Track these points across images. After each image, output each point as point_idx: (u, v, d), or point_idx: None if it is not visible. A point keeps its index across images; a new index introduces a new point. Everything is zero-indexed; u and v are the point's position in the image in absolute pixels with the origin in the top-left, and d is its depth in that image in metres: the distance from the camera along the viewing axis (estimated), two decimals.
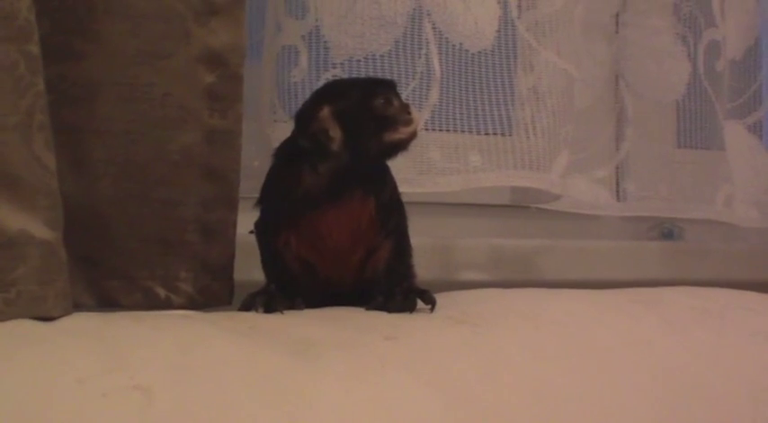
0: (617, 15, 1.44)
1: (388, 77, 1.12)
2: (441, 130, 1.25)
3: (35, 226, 0.86)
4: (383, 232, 1.01)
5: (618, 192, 1.46)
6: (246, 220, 1.05)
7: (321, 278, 1.01)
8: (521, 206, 1.44)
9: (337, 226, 0.99)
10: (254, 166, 1.15)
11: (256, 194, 1.05)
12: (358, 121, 0.98)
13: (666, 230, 1.61)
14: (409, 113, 0.98)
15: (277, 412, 0.75)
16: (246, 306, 0.97)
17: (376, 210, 0.99)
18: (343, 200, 0.98)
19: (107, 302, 1.01)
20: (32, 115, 0.86)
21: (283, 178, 1.00)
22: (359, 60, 1.20)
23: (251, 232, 1.05)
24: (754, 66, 1.56)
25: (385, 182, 1.02)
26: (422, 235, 1.08)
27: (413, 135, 0.98)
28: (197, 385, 0.76)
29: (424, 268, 1.08)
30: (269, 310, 0.95)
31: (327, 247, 0.99)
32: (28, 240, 0.85)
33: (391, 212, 1.02)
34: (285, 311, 0.95)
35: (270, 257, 1.02)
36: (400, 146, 0.99)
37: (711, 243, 1.58)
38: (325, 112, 0.97)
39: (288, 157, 1.00)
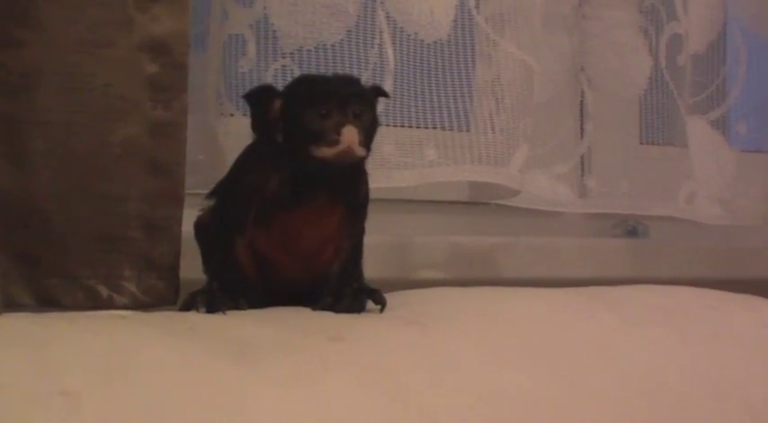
0: (578, 7, 1.43)
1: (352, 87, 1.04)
2: (396, 126, 1.23)
3: None
4: (350, 235, 0.99)
5: (580, 188, 1.45)
6: (193, 216, 1.02)
7: (285, 278, 0.99)
8: (480, 203, 1.42)
9: (306, 228, 0.97)
10: (200, 159, 1.14)
11: (202, 190, 1.02)
12: (290, 128, 0.95)
13: (631, 228, 1.60)
14: (338, 134, 0.93)
15: (210, 419, 0.73)
16: (187, 306, 0.95)
17: (345, 216, 0.98)
18: (308, 204, 0.96)
19: (47, 302, 0.99)
20: None
21: (251, 174, 0.98)
22: (309, 50, 1.17)
23: None
24: (717, 60, 1.55)
25: (357, 188, 0.99)
26: (378, 232, 1.05)
27: (342, 156, 0.93)
28: (127, 390, 0.72)
29: (379, 267, 1.07)
30: (211, 310, 0.93)
31: (298, 249, 0.98)
32: None
33: (360, 217, 1.00)
34: (228, 312, 0.93)
35: (220, 255, 0.99)
36: (328, 163, 0.93)
37: (675, 241, 1.57)
38: (276, 105, 0.95)
39: (258, 153, 0.98)
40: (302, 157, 0.93)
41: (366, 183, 1.00)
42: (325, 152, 0.93)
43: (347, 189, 0.98)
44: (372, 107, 0.98)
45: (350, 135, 0.92)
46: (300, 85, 0.99)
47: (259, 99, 0.97)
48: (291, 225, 0.97)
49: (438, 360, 0.87)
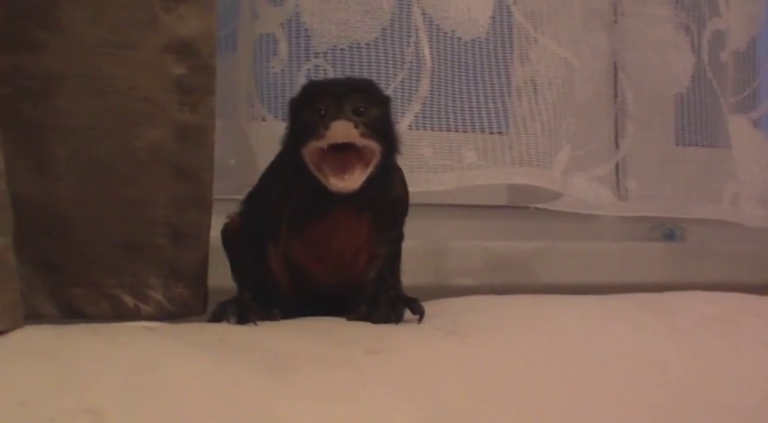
0: (613, 5, 1.40)
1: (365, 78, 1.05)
2: (433, 129, 1.21)
3: None
4: (383, 242, 0.97)
5: (619, 190, 1.42)
6: (222, 223, 1.01)
7: (319, 286, 0.97)
8: (517, 207, 1.40)
9: (335, 236, 0.95)
10: (231, 164, 1.12)
11: (233, 196, 1.02)
12: (291, 129, 0.95)
13: (668, 231, 1.58)
14: (326, 128, 0.90)
15: None
16: (217, 316, 0.93)
17: (374, 221, 0.95)
18: (334, 211, 0.94)
19: (71, 312, 0.97)
20: None
21: (282, 181, 0.96)
22: (342, 49, 1.15)
23: None
24: (756, 58, 1.53)
25: (384, 192, 0.96)
26: (412, 238, 1.03)
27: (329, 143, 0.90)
28: (154, 408, 0.71)
29: (414, 273, 1.05)
30: (242, 321, 0.91)
31: (330, 256, 0.96)
32: None
33: (395, 224, 0.98)
34: (260, 323, 0.91)
35: (253, 264, 0.98)
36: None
37: (716, 244, 1.55)
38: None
39: (286, 160, 0.97)
40: (296, 158, 0.92)
41: (397, 188, 0.98)
42: (311, 146, 0.90)
43: (373, 194, 0.95)
44: (380, 103, 0.95)
45: (339, 128, 0.90)
46: (302, 89, 0.97)
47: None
48: (320, 233, 0.95)
49: (480, 373, 0.86)
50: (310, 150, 0.91)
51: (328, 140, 0.90)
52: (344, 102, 0.91)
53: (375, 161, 0.92)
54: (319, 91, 0.94)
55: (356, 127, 0.90)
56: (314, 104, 0.92)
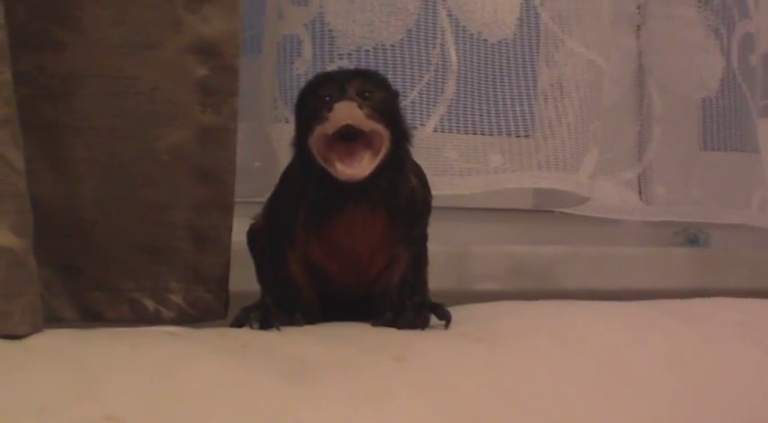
0: (641, 7, 1.39)
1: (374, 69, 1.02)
2: (458, 132, 1.19)
3: None
4: (404, 243, 0.95)
5: (645, 195, 1.41)
6: (246, 226, 1.00)
7: (338, 287, 0.96)
8: (540, 210, 1.39)
9: (349, 235, 0.93)
10: (255, 167, 1.12)
11: (256, 199, 1.01)
12: (297, 122, 0.93)
13: (692, 236, 1.58)
14: (330, 110, 0.88)
15: None
16: (240, 322, 0.92)
17: (390, 220, 0.93)
18: (348, 210, 0.92)
19: (90, 316, 0.97)
20: None
21: (294, 183, 0.95)
22: (367, 50, 1.13)
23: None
24: None
25: (396, 189, 0.93)
26: (435, 241, 1.01)
27: (333, 128, 0.88)
28: (176, 415, 0.70)
29: (437, 278, 1.03)
30: (265, 326, 0.90)
31: (346, 256, 0.94)
32: None
33: (414, 221, 0.95)
34: (283, 328, 0.90)
35: (273, 269, 0.97)
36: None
37: (741, 249, 1.54)
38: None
39: (299, 162, 0.95)
40: (305, 152, 0.90)
41: (412, 181, 0.95)
42: (316, 134, 0.88)
43: (386, 187, 0.92)
44: (386, 88, 0.93)
45: (343, 109, 0.87)
46: (306, 82, 0.96)
47: None
48: (335, 230, 0.93)
49: (509, 381, 0.84)
50: (316, 139, 0.88)
51: (333, 124, 0.87)
52: (348, 85, 0.89)
53: (384, 149, 0.89)
54: (323, 79, 0.93)
55: (360, 108, 0.87)
56: (317, 92, 0.90)
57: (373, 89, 0.90)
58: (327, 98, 0.88)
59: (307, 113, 0.90)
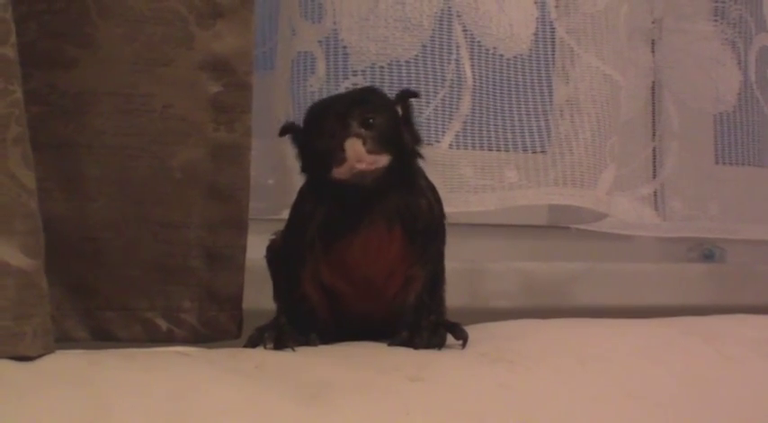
0: (656, 21, 1.38)
1: (369, 90, 1.00)
2: (474, 148, 1.19)
3: (10, 253, 0.79)
4: (420, 262, 0.94)
5: (661, 210, 1.40)
6: (260, 244, 1.00)
7: (353, 311, 0.96)
8: (556, 227, 1.38)
9: (364, 257, 0.92)
10: (269, 184, 1.12)
11: (271, 216, 1.01)
12: (308, 157, 0.94)
13: (707, 251, 1.56)
14: (343, 150, 0.88)
15: None
16: (254, 342, 0.91)
17: (407, 240, 0.92)
18: (364, 230, 0.91)
19: (102, 335, 0.97)
20: (7, 127, 0.80)
21: (305, 205, 0.95)
22: (382, 67, 1.12)
23: None
24: None
25: (416, 208, 0.93)
26: (449, 258, 1.00)
27: (356, 174, 0.89)
28: None
29: (451, 295, 1.02)
30: (279, 346, 0.89)
31: (360, 278, 0.93)
32: (2, 270, 0.79)
33: (430, 241, 0.95)
34: (297, 348, 0.89)
35: (288, 289, 0.96)
36: (350, 183, 0.89)
37: (757, 265, 1.52)
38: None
39: (310, 184, 0.96)
40: (328, 181, 0.90)
41: (432, 202, 0.95)
42: (339, 173, 0.89)
43: (401, 211, 0.92)
44: (387, 108, 0.93)
45: (351, 149, 0.88)
46: (307, 112, 0.96)
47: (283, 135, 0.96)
48: (348, 254, 0.92)
49: (528, 401, 0.84)
50: (339, 175, 0.89)
51: (348, 169, 0.88)
52: (348, 117, 0.89)
53: (385, 164, 0.90)
54: (323, 112, 0.92)
55: (364, 143, 0.88)
56: (321, 126, 0.91)
57: (374, 115, 0.90)
58: (330, 132, 0.89)
59: (316, 150, 0.91)
